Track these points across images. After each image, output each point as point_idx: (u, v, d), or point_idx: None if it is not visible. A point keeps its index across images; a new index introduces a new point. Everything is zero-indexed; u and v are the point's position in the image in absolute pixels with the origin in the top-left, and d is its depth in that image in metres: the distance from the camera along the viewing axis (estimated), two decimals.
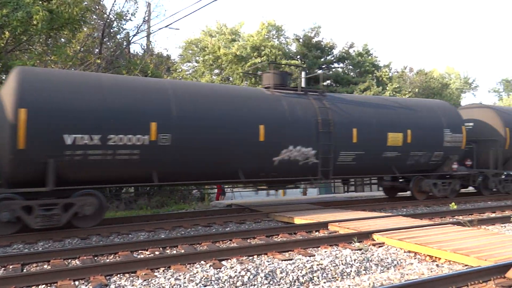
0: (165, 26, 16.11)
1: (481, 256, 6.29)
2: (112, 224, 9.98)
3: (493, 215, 11.59)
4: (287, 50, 33.29)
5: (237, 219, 10.82)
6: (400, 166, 13.64)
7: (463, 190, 16.73)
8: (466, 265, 6.31)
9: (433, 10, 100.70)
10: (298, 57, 33.68)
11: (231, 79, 30.23)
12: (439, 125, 14.26)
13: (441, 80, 47.77)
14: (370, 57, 35.16)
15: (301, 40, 34.71)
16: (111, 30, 19.69)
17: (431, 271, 6.23)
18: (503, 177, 16.28)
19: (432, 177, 14.36)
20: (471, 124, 16.49)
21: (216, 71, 31.61)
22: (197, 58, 31.92)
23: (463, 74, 66.85)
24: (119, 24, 19.91)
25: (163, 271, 6.21)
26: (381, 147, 12.98)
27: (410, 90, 36.32)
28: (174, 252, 7.54)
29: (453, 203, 12.94)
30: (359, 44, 39.41)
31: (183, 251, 7.49)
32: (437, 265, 6.53)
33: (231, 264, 6.44)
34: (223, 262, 6.58)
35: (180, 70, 32.84)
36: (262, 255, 7.04)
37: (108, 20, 19.04)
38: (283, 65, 28.98)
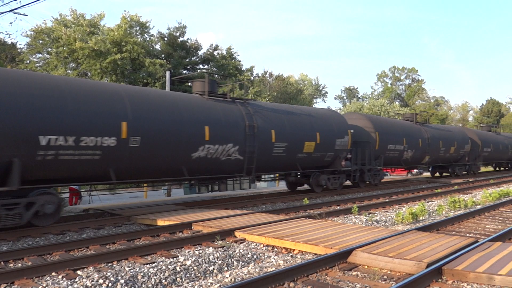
0: (10, 11, 14.19)
1: (328, 245, 7.03)
2: None
3: (338, 208, 13.05)
4: (151, 48, 32.40)
5: (95, 224, 10.13)
6: None
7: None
8: (316, 254, 6.97)
9: (288, 17, 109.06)
10: (163, 56, 33.08)
11: (89, 74, 28.16)
12: None
13: (296, 86, 51.99)
14: (233, 60, 36.41)
15: (166, 39, 34.17)
16: None
17: (286, 262, 6.72)
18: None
19: None
20: None
21: (72, 65, 29.11)
22: (50, 49, 28.93)
23: (314, 81, 73.92)
24: None
25: None
26: None
27: (269, 93, 38.64)
28: (20, 265, 6.71)
29: (305, 199, 14.17)
30: (224, 46, 40.35)
31: (30, 263, 6.71)
32: (291, 256, 7.08)
33: (88, 273, 6.01)
34: (78, 272, 6.10)
35: (28, 61, 29.37)
36: (123, 260, 6.73)
37: None
38: (146, 65, 28.16)
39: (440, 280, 5.59)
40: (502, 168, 39.02)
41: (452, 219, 10.47)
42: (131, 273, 5.92)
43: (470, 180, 24.23)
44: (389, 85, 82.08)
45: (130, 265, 6.43)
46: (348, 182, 19.37)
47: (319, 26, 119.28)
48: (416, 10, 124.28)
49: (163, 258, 6.81)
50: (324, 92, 76.08)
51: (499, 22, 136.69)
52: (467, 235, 9.01)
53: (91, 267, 6.31)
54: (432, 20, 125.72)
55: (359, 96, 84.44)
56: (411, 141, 22.10)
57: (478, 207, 13.16)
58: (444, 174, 28.51)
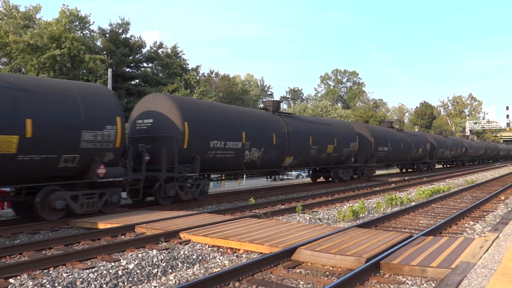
0: None
1: (272, 243, 7.13)
2: None
3: (283, 207, 13.27)
4: (92, 45, 31.13)
5: (30, 229, 9.55)
6: None
7: None
8: (261, 253, 7.04)
9: (235, 17, 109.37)
10: (105, 53, 31.90)
11: (23, 70, 26.53)
12: None
13: (242, 86, 52.22)
14: (178, 59, 35.86)
15: (107, 36, 32.99)
16: None
17: (232, 262, 6.73)
18: None
19: None
20: None
21: (4, 59, 27.28)
22: None
23: (259, 82, 74.64)
24: None
25: None
26: None
27: (215, 93, 38.48)
28: None
29: (251, 198, 14.28)
30: (169, 45, 39.68)
31: None
32: (237, 256, 7.10)
33: (21, 281, 5.65)
34: (11, 280, 5.72)
35: None
36: (60, 266, 6.41)
37: None
38: (87, 61, 27.03)
39: (378, 274, 5.86)
40: (410, 170, 34.66)
41: (389, 215, 11.02)
42: (69, 279, 5.65)
43: (406, 178, 25.58)
44: (331, 87, 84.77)
45: (68, 271, 6.14)
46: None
47: (265, 27, 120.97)
48: (357, 16, 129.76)
49: (104, 262, 6.57)
50: (270, 93, 77.01)
51: (432, 31, 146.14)
52: (403, 230, 9.52)
53: (25, 275, 5.94)
54: (372, 26, 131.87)
55: (303, 97, 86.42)
56: (259, 136, 15.90)
57: (413, 203, 13.94)
58: (330, 178, 22.65)
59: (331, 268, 6.21)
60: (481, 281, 4.56)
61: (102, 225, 9.57)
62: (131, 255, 6.97)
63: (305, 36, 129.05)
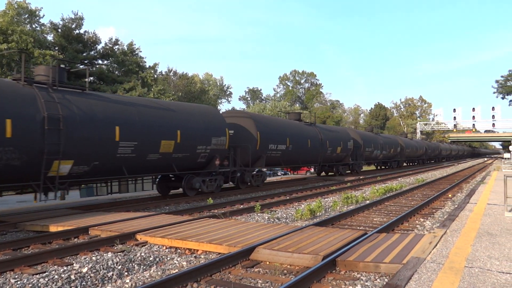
0: None
1: (231, 243, 7.12)
2: None
3: (242, 206, 13.29)
4: (42, 39, 29.80)
5: None
6: None
7: None
8: (219, 253, 7.02)
9: (194, 16, 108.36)
10: (56, 48, 30.64)
11: None
12: None
13: (200, 85, 51.76)
14: (135, 57, 35.03)
15: (59, 30, 31.71)
16: None
17: (190, 263, 6.67)
18: None
19: None
20: None
21: None
22: None
23: (218, 81, 74.36)
24: None
25: None
26: None
27: (174, 93, 37.91)
28: None
29: (210, 198, 14.20)
30: (125, 42, 38.56)
31: None
32: (195, 257, 7.03)
33: None
34: None
35: None
36: (7, 271, 6.09)
37: None
38: (35, 56, 25.81)
39: (334, 271, 6.00)
40: (331, 173, 28.49)
41: (345, 214, 11.31)
42: (17, 285, 5.39)
43: (361, 177, 26.35)
44: (290, 88, 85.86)
45: (16, 276, 5.84)
46: None
47: (225, 27, 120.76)
48: (316, 18, 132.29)
49: (56, 266, 6.31)
50: (228, 92, 76.91)
51: (387, 36, 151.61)
52: (358, 228, 9.81)
53: None
54: (330, 28, 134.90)
55: (262, 97, 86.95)
56: (25, 126, 9.85)
57: (367, 202, 14.38)
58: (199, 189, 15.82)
59: (289, 267, 6.29)
60: (430, 275, 4.78)
61: (53, 228, 9.19)
62: (85, 258, 6.74)
63: (264, 36, 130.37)
